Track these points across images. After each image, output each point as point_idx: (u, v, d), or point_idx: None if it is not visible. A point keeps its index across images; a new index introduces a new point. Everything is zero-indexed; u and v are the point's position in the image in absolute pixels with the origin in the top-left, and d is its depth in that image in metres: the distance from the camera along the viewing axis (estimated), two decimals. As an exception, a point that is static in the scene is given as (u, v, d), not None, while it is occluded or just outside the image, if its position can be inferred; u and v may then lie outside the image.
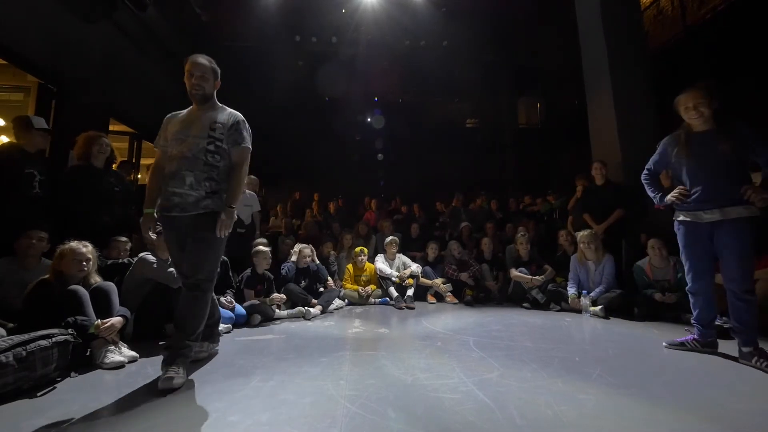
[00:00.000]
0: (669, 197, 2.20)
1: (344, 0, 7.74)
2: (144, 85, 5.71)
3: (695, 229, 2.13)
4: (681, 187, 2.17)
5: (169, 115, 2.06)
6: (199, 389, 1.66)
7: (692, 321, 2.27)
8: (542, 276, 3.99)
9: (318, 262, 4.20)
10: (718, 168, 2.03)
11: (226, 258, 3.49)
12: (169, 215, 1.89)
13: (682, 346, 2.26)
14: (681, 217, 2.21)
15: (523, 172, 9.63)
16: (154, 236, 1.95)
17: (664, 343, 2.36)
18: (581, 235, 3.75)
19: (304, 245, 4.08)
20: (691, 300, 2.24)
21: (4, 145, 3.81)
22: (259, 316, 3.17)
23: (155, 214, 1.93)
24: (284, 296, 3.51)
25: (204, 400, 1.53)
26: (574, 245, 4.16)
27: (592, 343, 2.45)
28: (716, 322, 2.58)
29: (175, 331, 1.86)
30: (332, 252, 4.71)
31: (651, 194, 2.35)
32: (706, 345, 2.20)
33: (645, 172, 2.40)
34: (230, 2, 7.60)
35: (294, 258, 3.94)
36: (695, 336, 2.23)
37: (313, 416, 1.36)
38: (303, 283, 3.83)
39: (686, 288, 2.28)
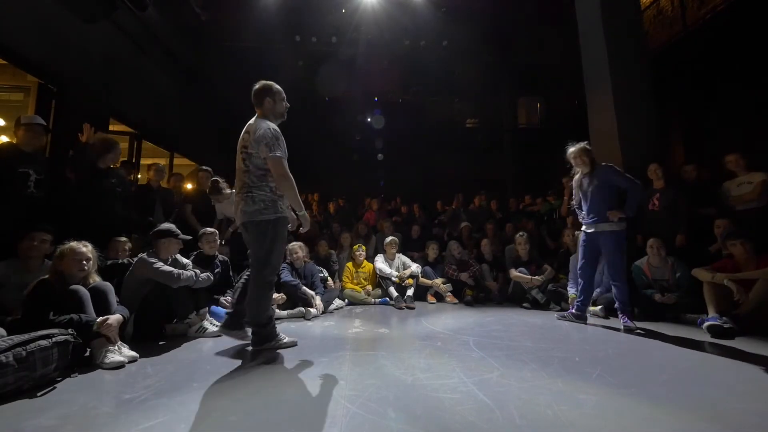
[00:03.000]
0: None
1: (344, 0, 7.74)
2: (144, 85, 5.71)
3: (587, 237, 3.12)
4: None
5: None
6: (200, 389, 1.66)
7: (577, 302, 3.18)
8: (542, 276, 3.99)
9: (312, 261, 4.18)
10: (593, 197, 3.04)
11: (227, 258, 3.49)
12: None
13: (563, 318, 3.23)
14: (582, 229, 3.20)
15: (523, 172, 9.61)
16: None
17: (555, 315, 3.35)
18: None
19: (295, 243, 3.96)
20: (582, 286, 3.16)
21: (1, 144, 3.82)
22: (259, 316, 3.16)
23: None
24: (284, 296, 3.50)
25: (204, 400, 1.53)
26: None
27: (592, 343, 2.45)
28: (716, 322, 2.59)
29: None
30: (331, 251, 4.70)
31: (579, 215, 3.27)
32: (579, 318, 3.13)
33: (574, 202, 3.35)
34: (230, 2, 7.60)
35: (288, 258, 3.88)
36: (573, 311, 3.20)
37: (313, 416, 1.36)
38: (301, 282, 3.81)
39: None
